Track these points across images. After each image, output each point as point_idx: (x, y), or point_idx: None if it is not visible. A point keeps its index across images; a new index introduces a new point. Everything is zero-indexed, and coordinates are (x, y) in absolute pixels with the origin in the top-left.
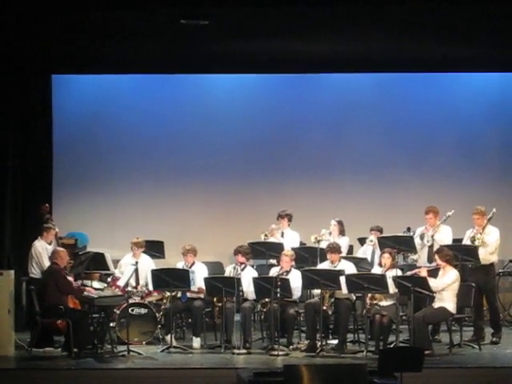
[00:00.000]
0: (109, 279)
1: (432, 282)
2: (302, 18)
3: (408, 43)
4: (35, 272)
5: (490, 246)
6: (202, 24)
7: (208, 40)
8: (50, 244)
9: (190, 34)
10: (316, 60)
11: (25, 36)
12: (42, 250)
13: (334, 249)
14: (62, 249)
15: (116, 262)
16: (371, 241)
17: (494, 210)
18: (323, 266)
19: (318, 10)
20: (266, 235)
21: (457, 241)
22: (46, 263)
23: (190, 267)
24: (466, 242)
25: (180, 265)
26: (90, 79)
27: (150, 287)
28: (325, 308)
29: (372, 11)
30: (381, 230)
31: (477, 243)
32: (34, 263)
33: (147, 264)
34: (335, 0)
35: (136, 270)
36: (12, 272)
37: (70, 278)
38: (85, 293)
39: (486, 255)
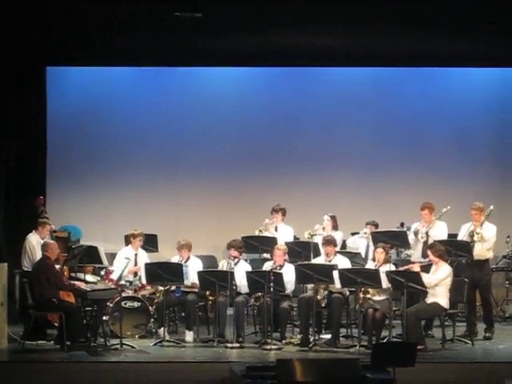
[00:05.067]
0: (102, 272)
1: (425, 277)
2: (298, 11)
3: (404, 38)
4: (28, 265)
5: (487, 241)
6: (197, 17)
7: (203, 33)
8: (43, 239)
9: (185, 27)
10: (311, 54)
11: (20, 28)
12: (36, 243)
13: (330, 241)
14: (52, 241)
15: (110, 256)
16: (365, 233)
17: (492, 207)
18: (318, 260)
19: (315, 3)
20: (260, 231)
21: (452, 236)
22: (39, 257)
23: (186, 262)
24: (464, 236)
25: (175, 259)
26: (85, 72)
27: (143, 280)
28: (319, 298)
29: (368, 6)
30: (376, 225)
31: (476, 238)
32: (27, 257)
33: (143, 257)
34: None
35: (135, 261)
36: (5, 265)
37: (58, 266)
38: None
39: (483, 251)
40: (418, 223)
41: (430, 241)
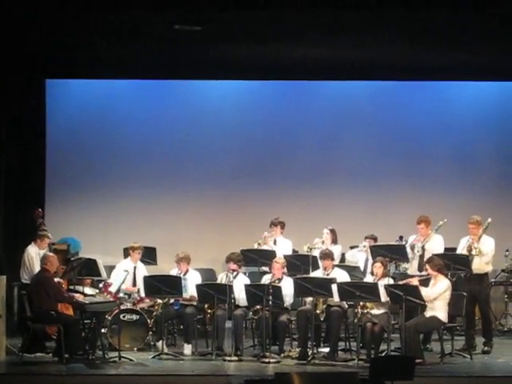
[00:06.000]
0: (100, 285)
1: (424, 291)
2: (297, 23)
3: (403, 52)
4: (26, 277)
5: (486, 255)
6: (196, 30)
7: (202, 46)
8: (42, 250)
9: (185, 40)
10: (310, 67)
11: (19, 40)
12: (35, 255)
13: (327, 255)
14: (52, 254)
15: (109, 269)
16: (364, 246)
17: (490, 219)
18: (316, 273)
19: (314, 15)
20: (259, 244)
21: (450, 250)
22: (38, 269)
23: (184, 275)
24: (462, 250)
25: (174, 272)
26: (84, 84)
27: (142, 293)
28: (317, 311)
29: (369, 19)
30: (375, 239)
31: (474, 252)
32: (25, 269)
33: (141, 270)
34: (331, 6)
35: (134, 274)
36: (4, 277)
37: (57, 279)
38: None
39: (481, 265)
40: (414, 236)
41: (427, 254)
